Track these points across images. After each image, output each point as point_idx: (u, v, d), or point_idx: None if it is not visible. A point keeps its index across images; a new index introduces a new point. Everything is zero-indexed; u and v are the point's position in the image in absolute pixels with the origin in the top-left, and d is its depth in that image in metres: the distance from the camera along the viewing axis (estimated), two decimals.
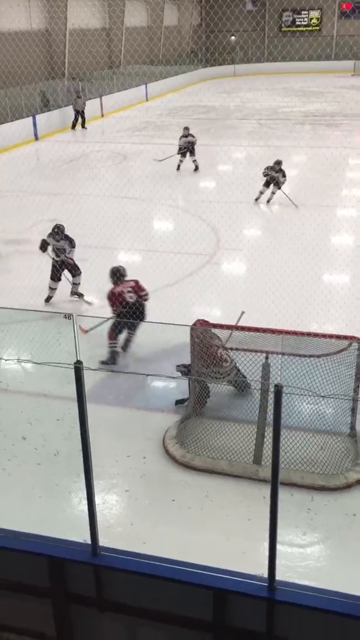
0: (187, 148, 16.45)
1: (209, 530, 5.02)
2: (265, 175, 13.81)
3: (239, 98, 30.82)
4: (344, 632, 4.15)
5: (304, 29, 43.01)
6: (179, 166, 16.55)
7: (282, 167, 13.84)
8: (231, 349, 6.25)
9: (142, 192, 13.25)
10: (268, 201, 14.00)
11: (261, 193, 14.00)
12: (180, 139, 16.53)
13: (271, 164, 13.86)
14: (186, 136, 16.48)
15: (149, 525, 5.08)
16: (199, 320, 6.48)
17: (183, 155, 16.52)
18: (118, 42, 33.48)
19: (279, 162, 13.83)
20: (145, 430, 6.23)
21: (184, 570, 4.26)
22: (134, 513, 5.27)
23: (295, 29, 42.95)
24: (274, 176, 13.79)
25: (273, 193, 14.00)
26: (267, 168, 13.81)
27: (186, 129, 16.60)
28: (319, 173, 15.75)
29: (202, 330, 6.27)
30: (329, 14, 42.09)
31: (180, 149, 16.49)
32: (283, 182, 13.84)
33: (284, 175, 13.81)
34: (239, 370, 6.25)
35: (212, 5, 39.08)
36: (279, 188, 13.87)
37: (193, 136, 16.42)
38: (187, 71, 36.99)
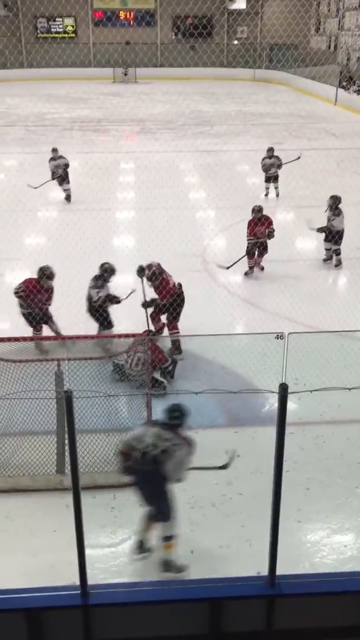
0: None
1: (14, 552, 4.82)
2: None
3: (3, 104, 29.97)
4: (162, 619, 4.27)
5: (60, 36, 43.11)
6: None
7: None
8: (20, 361, 6.06)
9: None
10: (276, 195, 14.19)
11: (267, 189, 14.29)
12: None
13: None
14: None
15: None
16: None
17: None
18: None
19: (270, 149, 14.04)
20: None
21: None
22: None
23: (51, 35, 42.86)
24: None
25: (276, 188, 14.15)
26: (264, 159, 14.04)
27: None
28: (94, 178, 15.94)
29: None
30: (85, 22, 42.76)
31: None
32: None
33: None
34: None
35: None
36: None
37: None
38: None
